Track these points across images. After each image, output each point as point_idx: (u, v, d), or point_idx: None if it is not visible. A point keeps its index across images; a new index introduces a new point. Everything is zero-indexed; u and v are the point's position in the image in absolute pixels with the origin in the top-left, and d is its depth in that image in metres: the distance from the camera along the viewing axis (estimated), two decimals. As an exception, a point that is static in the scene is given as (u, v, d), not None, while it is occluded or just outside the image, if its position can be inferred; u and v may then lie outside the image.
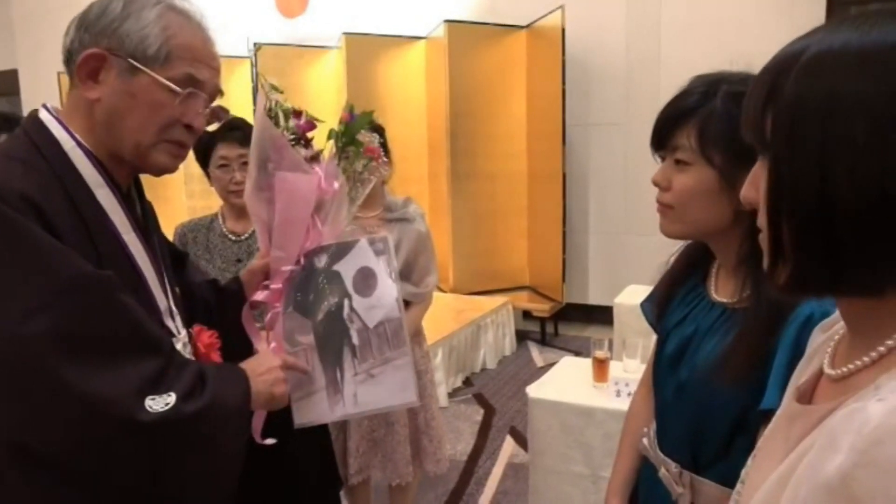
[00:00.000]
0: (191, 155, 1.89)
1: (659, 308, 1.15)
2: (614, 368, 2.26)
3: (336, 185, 1.26)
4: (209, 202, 1.74)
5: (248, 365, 1.07)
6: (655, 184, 1.02)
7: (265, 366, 1.08)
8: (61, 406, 0.81)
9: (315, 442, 1.87)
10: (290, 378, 1.16)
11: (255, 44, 5.42)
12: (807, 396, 0.63)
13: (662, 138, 1.00)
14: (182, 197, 5.52)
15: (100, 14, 0.94)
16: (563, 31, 4.74)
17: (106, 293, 0.86)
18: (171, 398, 0.86)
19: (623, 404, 2.03)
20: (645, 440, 1.13)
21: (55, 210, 0.87)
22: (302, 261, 1.24)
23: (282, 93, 1.30)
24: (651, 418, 1.15)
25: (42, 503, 0.84)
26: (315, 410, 1.17)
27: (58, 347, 0.81)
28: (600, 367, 2.19)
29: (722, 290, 1.04)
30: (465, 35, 5.13)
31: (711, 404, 0.97)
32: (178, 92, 0.96)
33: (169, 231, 1.96)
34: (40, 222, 0.84)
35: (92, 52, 0.92)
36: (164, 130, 0.98)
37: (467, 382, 4.28)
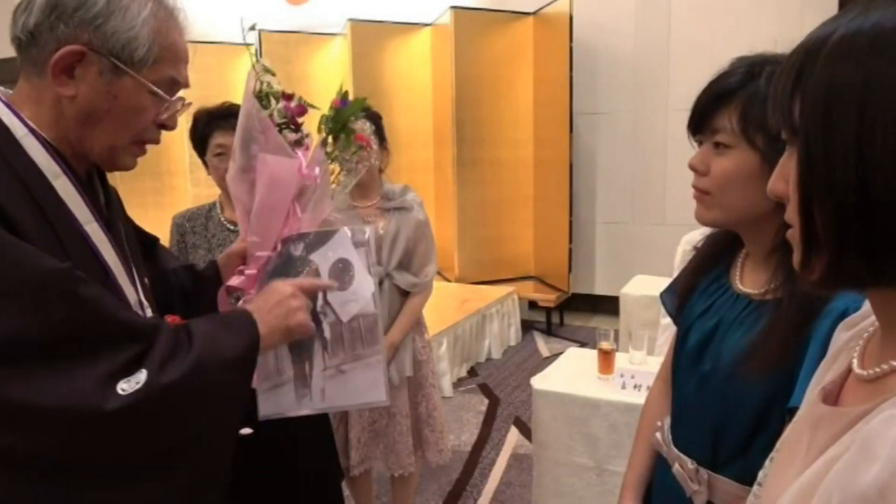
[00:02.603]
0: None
1: (680, 299, 1.12)
2: (620, 360, 2.22)
3: (317, 171, 1.22)
4: (215, 190, 1.72)
5: (254, 304, 1.02)
6: (693, 168, 0.98)
7: (275, 299, 1.02)
8: (27, 410, 0.77)
9: (316, 433, 1.85)
10: (258, 370, 1.09)
11: (252, 27, 5.37)
12: (833, 397, 0.60)
13: (701, 121, 0.96)
14: (187, 185, 5.50)
15: (79, 4, 0.86)
16: (571, 17, 4.68)
17: (66, 288, 0.80)
18: (143, 375, 0.81)
19: (628, 396, 2.01)
20: (658, 435, 1.10)
21: (13, 203, 0.81)
22: (279, 247, 1.20)
23: (274, 75, 1.26)
24: (667, 413, 1.12)
25: (23, 501, 0.81)
26: (282, 403, 1.13)
27: (17, 350, 0.76)
28: (605, 359, 2.15)
29: (748, 280, 1.01)
30: (471, 21, 5.07)
31: (735, 397, 0.94)
32: (164, 98, 0.92)
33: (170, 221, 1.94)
34: None
35: (72, 49, 0.85)
36: (140, 133, 0.94)
37: (472, 372, 4.26)
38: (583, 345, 4.38)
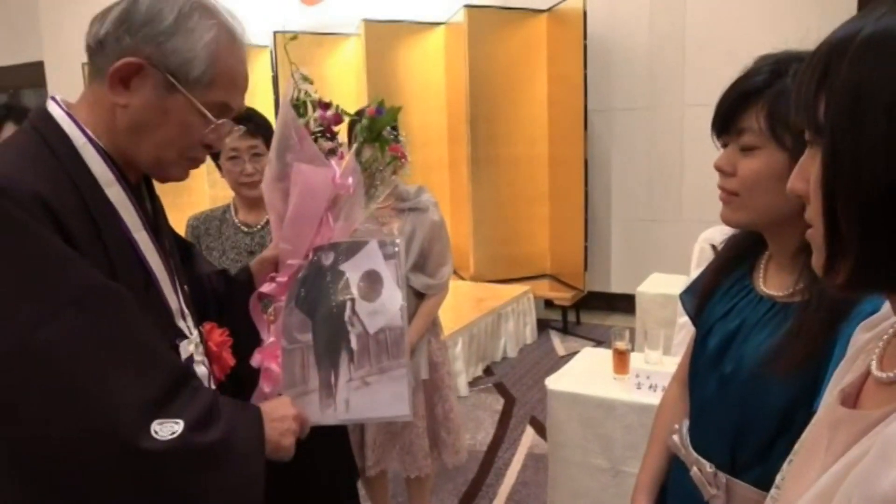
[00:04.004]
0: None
1: (700, 300, 1.10)
2: (635, 360, 2.21)
3: (351, 181, 1.22)
4: (232, 192, 1.75)
5: (263, 407, 1.03)
6: (719, 169, 0.97)
7: (280, 412, 1.03)
8: (63, 419, 0.78)
9: (331, 433, 1.85)
10: (284, 376, 1.13)
11: (275, 33, 5.40)
12: (851, 400, 0.59)
13: (727, 122, 0.95)
14: (205, 186, 5.55)
15: (147, 20, 0.89)
16: (585, 13, 4.65)
17: (114, 307, 0.83)
18: (179, 426, 0.82)
19: (644, 397, 1.99)
20: (675, 437, 1.09)
21: (68, 211, 0.84)
22: (310, 256, 1.21)
23: (311, 83, 1.28)
24: (684, 415, 1.11)
25: None
26: (306, 411, 1.12)
27: (62, 359, 0.78)
28: (620, 359, 2.14)
29: (771, 282, 0.99)
30: (484, 19, 5.06)
31: (757, 399, 0.93)
32: (211, 120, 0.95)
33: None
34: (53, 225, 0.81)
35: (131, 61, 0.88)
36: (186, 149, 0.97)
37: (488, 372, 4.25)
38: (599, 343, 4.35)
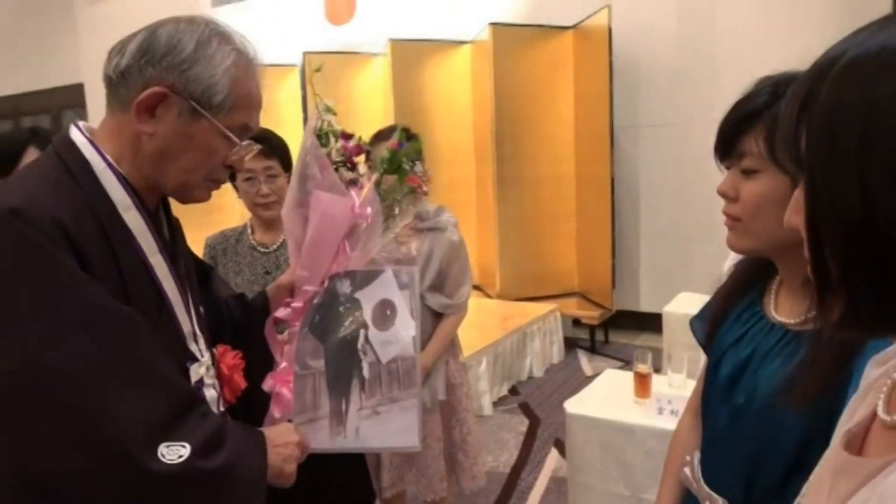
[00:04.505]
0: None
1: (711, 326, 1.07)
2: (659, 383, 2.15)
3: (369, 210, 1.24)
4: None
5: (270, 431, 1.05)
6: (722, 194, 0.94)
7: (283, 438, 1.05)
8: (71, 440, 0.79)
9: (347, 454, 1.84)
10: (295, 402, 1.12)
11: (304, 52, 5.49)
12: (858, 442, 0.56)
13: (727, 145, 0.93)
14: (235, 204, 5.62)
15: (168, 50, 0.92)
16: (610, 30, 4.62)
17: (123, 329, 0.85)
18: (185, 450, 0.83)
19: (666, 422, 1.93)
20: (687, 470, 1.05)
21: (84, 235, 0.86)
22: (326, 283, 1.22)
23: (335, 114, 1.30)
24: (696, 446, 1.07)
25: None
26: (316, 437, 1.14)
27: (69, 380, 0.80)
28: (642, 383, 2.09)
29: (783, 309, 0.96)
30: (509, 37, 5.06)
31: (771, 432, 0.89)
32: (235, 142, 0.97)
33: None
34: (69, 248, 0.83)
35: (156, 91, 0.91)
36: (210, 172, 1.00)
37: (513, 391, 4.20)
38: (627, 364, 4.27)
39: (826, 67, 0.47)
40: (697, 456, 1.05)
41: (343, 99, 5.50)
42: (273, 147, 1.80)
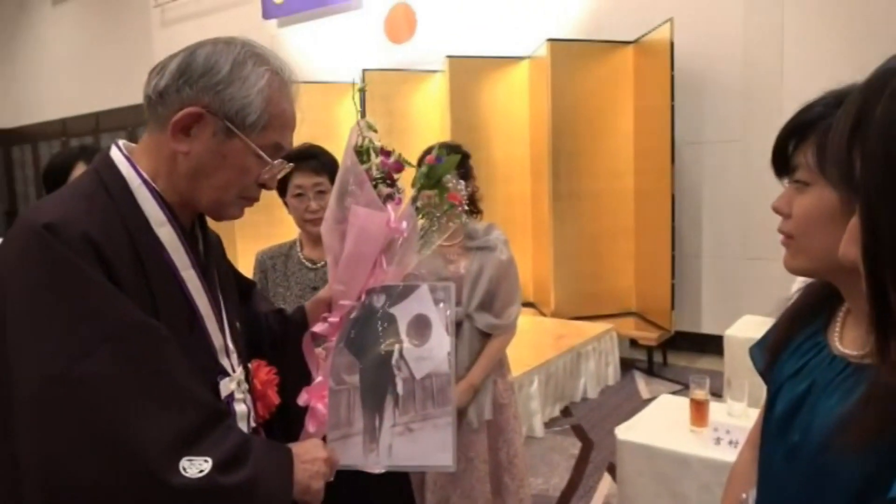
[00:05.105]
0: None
1: (771, 355, 1.00)
2: (718, 411, 2.05)
3: (405, 225, 1.23)
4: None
5: (298, 447, 1.04)
6: (776, 210, 0.90)
7: (311, 454, 1.04)
8: (95, 450, 0.80)
9: (391, 473, 1.82)
10: (329, 417, 1.12)
11: (364, 70, 5.58)
12: None
13: (782, 157, 0.89)
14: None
15: (205, 71, 0.94)
16: (672, 44, 4.51)
17: (150, 343, 0.86)
18: (207, 465, 0.83)
19: (723, 454, 1.83)
20: None
21: (115, 250, 0.88)
22: (363, 297, 1.22)
23: (376, 132, 1.31)
24: (753, 483, 1.00)
25: None
26: (349, 454, 1.12)
27: (95, 392, 0.81)
28: (698, 410, 1.99)
29: (848, 339, 0.88)
30: (568, 53, 5.01)
31: (828, 476, 0.82)
32: (267, 161, 0.98)
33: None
34: (99, 262, 0.85)
35: (192, 111, 0.93)
36: (243, 190, 1.01)
37: (566, 412, 4.10)
38: (686, 388, 4.11)
39: (880, 82, 0.43)
40: (753, 494, 0.98)
41: (401, 115, 5.56)
42: (323, 164, 1.82)
